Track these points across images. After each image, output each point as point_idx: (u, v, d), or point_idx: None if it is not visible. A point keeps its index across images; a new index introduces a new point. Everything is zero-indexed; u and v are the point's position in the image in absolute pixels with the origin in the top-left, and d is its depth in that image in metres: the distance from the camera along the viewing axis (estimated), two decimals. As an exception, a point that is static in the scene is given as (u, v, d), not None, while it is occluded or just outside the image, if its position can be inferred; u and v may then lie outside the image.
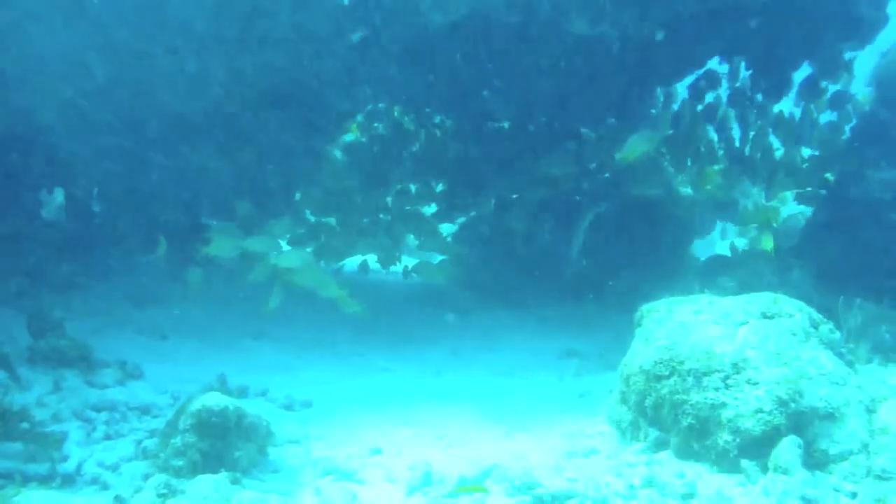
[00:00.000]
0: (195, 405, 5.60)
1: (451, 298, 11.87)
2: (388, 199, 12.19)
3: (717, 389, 6.07)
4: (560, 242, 11.83)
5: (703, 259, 12.65)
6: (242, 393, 7.44)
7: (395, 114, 12.94)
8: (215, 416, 5.56)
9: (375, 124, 12.97)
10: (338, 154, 12.66)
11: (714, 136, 11.22)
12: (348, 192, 12.01)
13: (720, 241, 14.19)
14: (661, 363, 6.36)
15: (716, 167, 11.64)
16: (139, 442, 6.09)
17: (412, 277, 11.42)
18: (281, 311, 9.67)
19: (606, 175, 12.20)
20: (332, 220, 11.95)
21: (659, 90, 12.09)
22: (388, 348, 9.60)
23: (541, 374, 8.76)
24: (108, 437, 6.20)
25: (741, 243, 13.45)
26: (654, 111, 12.24)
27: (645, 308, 7.27)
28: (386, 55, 10.11)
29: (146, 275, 10.75)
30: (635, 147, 9.57)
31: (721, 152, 11.25)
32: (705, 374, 6.16)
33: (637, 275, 11.89)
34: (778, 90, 10.13)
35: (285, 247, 10.53)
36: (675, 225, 12.23)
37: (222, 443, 5.57)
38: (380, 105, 12.68)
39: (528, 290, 12.03)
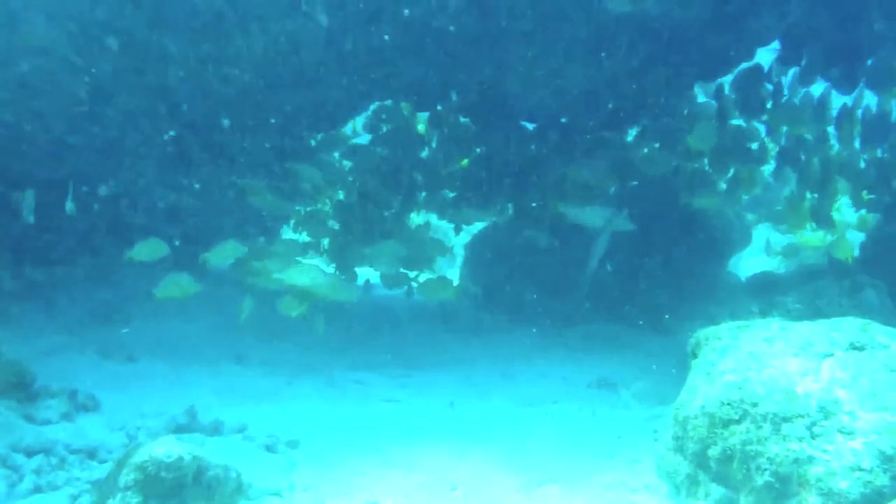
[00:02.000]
0: (141, 455, 4.37)
1: (463, 317, 10.65)
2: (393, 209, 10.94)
3: (801, 439, 4.81)
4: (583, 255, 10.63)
5: (741, 276, 11.48)
6: (216, 430, 6.22)
7: (405, 112, 11.72)
8: (166, 469, 4.33)
9: (381, 124, 11.76)
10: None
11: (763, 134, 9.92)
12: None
13: (766, 255, 12.88)
14: (729, 405, 5.10)
15: (764, 168, 10.38)
16: (75, 497, 4.86)
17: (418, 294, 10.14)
18: (269, 330, 8.50)
19: (634, 182, 11.01)
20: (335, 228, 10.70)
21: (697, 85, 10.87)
22: (392, 375, 8.36)
23: (569, 408, 7.49)
24: (36, 490, 4.97)
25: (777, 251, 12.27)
26: (685, 111, 11.01)
27: (702, 335, 5.98)
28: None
29: (120, 285, 9.56)
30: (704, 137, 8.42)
31: (773, 152, 9.97)
32: (785, 420, 4.90)
33: (673, 292, 10.70)
34: (851, 79, 8.84)
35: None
36: (714, 236, 10.98)
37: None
38: (386, 102, 11.48)
39: (549, 307, 10.81)
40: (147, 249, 7.69)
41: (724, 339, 5.77)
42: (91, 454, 5.49)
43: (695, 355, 5.92)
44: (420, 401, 7.55)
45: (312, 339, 8.48)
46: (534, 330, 10.40)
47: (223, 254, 7.91)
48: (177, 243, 9.44)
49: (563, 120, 10.65)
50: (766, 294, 9.26)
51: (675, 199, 10.54)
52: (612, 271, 10.90)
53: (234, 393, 7.22)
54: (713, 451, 5.11)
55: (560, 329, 10.44)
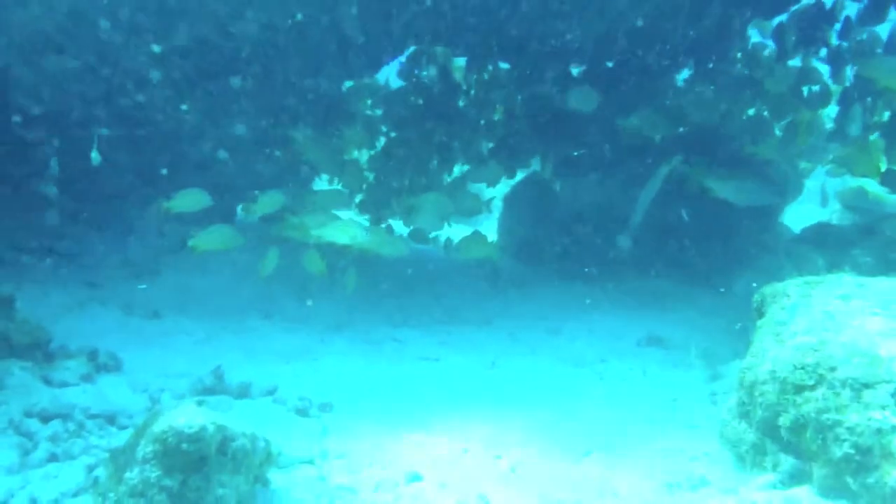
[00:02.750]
0: (160, 425, 3.97)
1: (504, 270, 10.21)
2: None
3: (884, 407, 4.35)
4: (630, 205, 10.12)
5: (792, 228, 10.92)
6: (244, 392, 5.84)
7: (440, 59, 11.20)
8: (188, 440, 3.92)
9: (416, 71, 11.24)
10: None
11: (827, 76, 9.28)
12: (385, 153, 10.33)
13: (820, 207, 12.24)
14: (802, 369, 4.64)
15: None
16: (91, 468, 4.49)
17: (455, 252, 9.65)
18: (302, 285, 8.11)
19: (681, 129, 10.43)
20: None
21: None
22: (431, 331, 7.95)
23: (618, 366, 7.04)
24: (52, 459, 4.60)
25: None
26: (739, 54, 10.39)
27: (768, 291, 5.50)
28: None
29: (148, 237, 9.20)
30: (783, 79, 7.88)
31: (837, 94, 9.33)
32: (867, 386, 4.44)
33: (724, 245, 10.19)
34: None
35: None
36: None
37: (198, 478, 3.94)
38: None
39: (594, 259, 10.34)
40: (188, 200, 7.24)
41: (793, 297, 5.29)
42: (111, 419, 5.12)
43: (761, 314, 5.45)
44: (461, 359, 7.13)
45: (347, 294, 8.09)
46: (578, 283, 9.96)
47: (267, 204, 7.50)
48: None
49: (609, 64, 10.12)
50: (825, 247, 8.70)
51: (725, 146, 10.03)
52: (659, 224, 10.39)
53: (263, 351, 6.84)
54: (784, 420, 4.65)
55: (604, 283, 9.98)
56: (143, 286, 7.83)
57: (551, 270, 10.53)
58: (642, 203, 9.57)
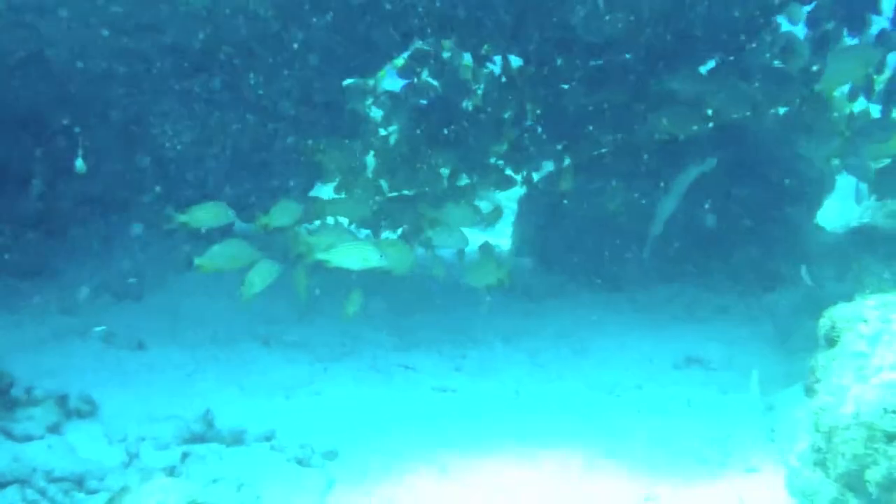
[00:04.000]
0: (126, 507, 3.25)
1: (520, 280, 9.46)
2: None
3: None
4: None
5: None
6: (237, 439, 5.11)
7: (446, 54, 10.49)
8: (160, 526, 3.21)
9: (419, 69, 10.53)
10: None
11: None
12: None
13: (856, 204, 11.43)
14: (895, 413, 3.92)
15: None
16: (49, 552, 3.77)
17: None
18: (305, 303, 7.38)
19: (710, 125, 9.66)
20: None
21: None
22: (444, 353, 7.20)
23: (658, 394, 6.29)
24: (2, 542, 3.90)
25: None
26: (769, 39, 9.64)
27: (838, 315, 4.71)
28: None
29: (139, 254, 8.47)
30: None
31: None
32: (978, 436, 3.73)
33: (759, 249, 9.44)
34: None
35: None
36: (803, 184, 9.66)
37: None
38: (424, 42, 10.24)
39: (618, 265, 9.60)
40: (206, 214, 6.56)
41: (872, 323, 4.52)
42: (79, 482, 4.37)
43: (831, 342, 4.69)
44: (479, 387, 6.40)
45: (353, 317, 7.37)
46: (600, 293, 9.23)
47: (281, 216, 6.78)
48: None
49: (628, 56, 9.38)
50: (874, 252, 7.97)
51: (759, 145, 9.30)
52: (685, 226, 9.66)
53: (261, 384, 6.10)
54: (873, 474, 3.91)
55: (631, 292, 9.24)
56: (101, 328, 7.04)
57: (570, 278, 9.80)
58: (663, 211, 8.80)
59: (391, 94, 10.38)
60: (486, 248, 8.35)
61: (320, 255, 6.13)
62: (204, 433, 5.04)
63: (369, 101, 11.29)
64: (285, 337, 7.22)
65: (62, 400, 5.12)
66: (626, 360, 7.12)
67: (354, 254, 6.13)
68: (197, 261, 6.26)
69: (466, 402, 6.06)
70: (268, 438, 5.18)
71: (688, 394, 6.26)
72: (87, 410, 5.20)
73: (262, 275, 6.33)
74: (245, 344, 6.97)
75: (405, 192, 9.14)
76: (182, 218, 6.55)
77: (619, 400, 6.17)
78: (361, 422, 5.56)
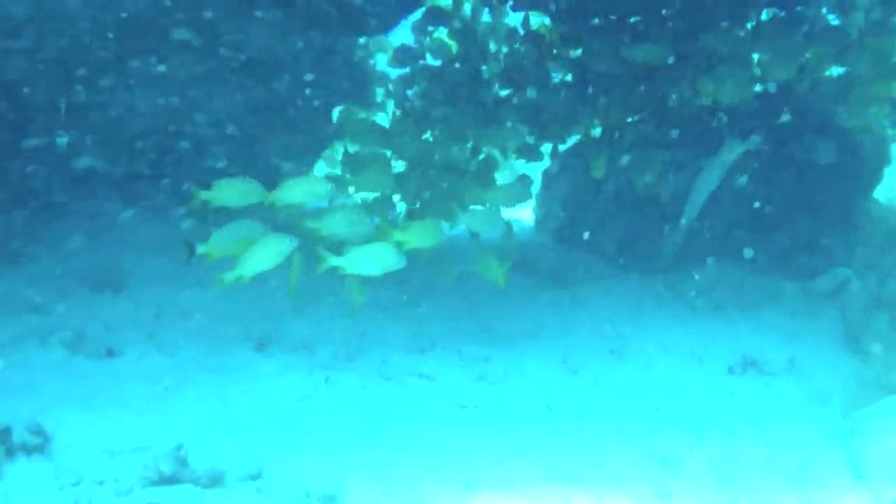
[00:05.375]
0: None
1: (545, 262, 8.55)
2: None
3: None
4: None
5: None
6: (216, 479, 4.22)
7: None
8: None
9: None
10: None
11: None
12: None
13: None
14: None
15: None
16: None
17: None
18: (305, 292, 6.48)
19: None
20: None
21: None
22: (465, 355, 6.29)
23: (710, 407, 5.38)
24: None
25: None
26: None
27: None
28: None
29: (124, 240, 7.60)
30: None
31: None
32: None
33: (810, 227, 8.50)
34: None
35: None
36: (862, 158, 8.68)
37: None
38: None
39: (651, 245, 8.67)
40: (233, 192, 5.62)
41: None
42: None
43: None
44: (506, 401, 5.50)
45: (362, 312, 6.48)
46: (634, 277, 8.31)
47: (230, 194, 5.82)
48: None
49: (665, 11, 8.38)
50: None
51: (811, 112, 8.31)
52: (726, 202, 8.71)
53: (251, 402, 5.19)
54: None
55: (669, 275, 8.32)
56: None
57: (598, 259, 8.89)
58: (700, 192, 7.82)
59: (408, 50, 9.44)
60: (507, 230, 7.38)
61: (334, 262, 5.23)
62: (175, 473, 4.15)
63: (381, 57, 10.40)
64: (284, 337, 6.32)
65: (4, 434, 4.24)
66: (672, 362, 6.23)
67: (373, 258, 5.28)
68: (201, 248, 5.31)
69: (491, 422, 5.16)
70: (254, 478, 4.29)
71: (749, 408, 5.36)
72: (35, 445, 4.32)
73: (265, 253, 5.36)
74: (236, 347, 6.07)
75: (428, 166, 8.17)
76: (204, 195, 5.59)
77: (667, 417, 5.25)
78: (368, 452, 4.66)
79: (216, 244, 5.37)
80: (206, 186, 5.74)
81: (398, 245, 5.64)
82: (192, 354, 5.83)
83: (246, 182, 5.76)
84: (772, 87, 8.39)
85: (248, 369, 5.66)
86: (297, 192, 5.94)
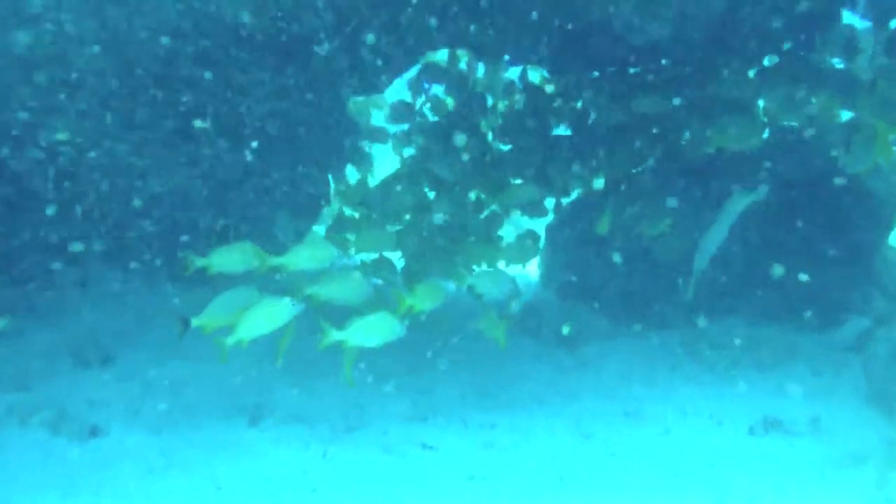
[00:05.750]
0: None
1: (551, 320, 8.24)
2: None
3: None
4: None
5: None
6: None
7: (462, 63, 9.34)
8: None
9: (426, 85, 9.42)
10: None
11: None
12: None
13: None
14: None
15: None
16: None
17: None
18: (300, 363, 6.19)
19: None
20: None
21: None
22: (470, 423, 5.94)
23: (735, 474, 5.03)
24: None
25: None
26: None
27: None
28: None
29: (113, 311, 7.32)
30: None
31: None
32: None
33: (826, 276, 8.20)
34: None
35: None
36: (875, 204, 8.41)
37: None
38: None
39: (661, 301, 8.40)
40: (231, 258, 5.49)
41: None
42: None
43: None
44: (516, 470, 5.15)
45: (358, 380, 6.20)
46: (645, 334, 8.01)
47: (228, 260, 5.59)
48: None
49: (664, 62, 8.18)
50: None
51: (818, 159, 8.06)
52: (741, 252, 8.43)
53: (243, 483, 4.85)
54: None
55: (679, 331, 8.03)
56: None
57: (605, 316, 8.59)
58: (709, 244, 7.51)
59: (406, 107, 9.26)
60: (513, 290, 7.10)
61: (336, 336, 5.09)
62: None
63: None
64: (278, 408, 5.99)
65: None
66: (690, 425, 5.87)
67: (375, 329, 5.16)
68: (195, 322, 5.06)
69: (501, 495, 4.80)
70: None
71: (775, 474, 5.00)
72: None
73: (267, 316, 5.11)
74: (228, 421, 5.73)
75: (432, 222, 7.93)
76: (201, 262, 5.43)
77: (690, 485, 4.89)
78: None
79: (211, 316, 5.12)
80: (203, 253, 5.53)
81: (399, 313, 5.47)
82: (180, 431, 5.49)
83: (244, 247, 5.54)
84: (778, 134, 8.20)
85: (241, 445, 5.32)
86: (302, 257, 5.73)
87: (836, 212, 8.31)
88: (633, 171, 8.44)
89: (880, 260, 8.54)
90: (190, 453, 5.16)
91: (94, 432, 5.31)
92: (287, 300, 5.12)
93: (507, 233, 9.26)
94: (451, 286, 7.33)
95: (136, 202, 7.91)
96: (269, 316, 5.08)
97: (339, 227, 7.77)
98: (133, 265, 7.91)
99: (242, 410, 5.89)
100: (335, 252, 5.93)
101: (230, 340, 5.01)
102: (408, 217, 8.04)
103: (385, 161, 9.60)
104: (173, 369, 6.45)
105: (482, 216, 8.25)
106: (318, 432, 5.65)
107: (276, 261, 5.69)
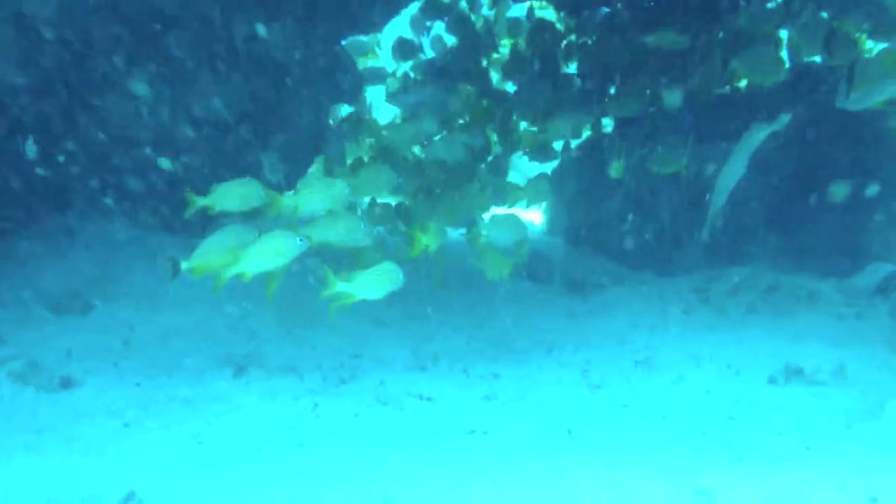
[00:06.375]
0: None
1: (557, 266, 7.91)
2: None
3: None
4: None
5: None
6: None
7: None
8: None
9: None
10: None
11: None
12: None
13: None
14: None
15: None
16: None
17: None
18: (291, 310, 5.86)
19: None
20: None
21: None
22: (471, 374, 5.60)
23: (755, 427, 4.65)
24: None
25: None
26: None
27: None
28: None
29: (100, 259, 6.99)
30: None
31: None
32: None
33: (848, 220, 7.84)
34: None
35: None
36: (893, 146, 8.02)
37: None
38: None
39: (674, 245, 8.05)
40: (234, 195, 5.22)
41: None
42: None
43: None
44: (519, 422, 4.78)
45: (356, 323, 5.86)
46: (656, 280, 7.66)
47: (232, 198, 5.26)
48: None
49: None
50: None
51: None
52: (753, 196, 8.06)
53: (224, 439, 4.47)
54: None
55: (692, 278, 7.68)
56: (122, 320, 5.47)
57: (615, 262, 8.26)
58: (727, 179, 7.09)
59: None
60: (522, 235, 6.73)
61: (341, 288, 4.91)
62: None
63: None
64: (268, 359, 5.64)
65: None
66: (705, 374, 5.51)
67: (379, 280, 5.02)
68: (185, 265, 4.73)
69: (502, 449, 4.43)
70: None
71: (798, 427, 4.63)
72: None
73: (271, 251, 4.80)
74: (214, 373, 5.39)
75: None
76: (202, 201, 5.18)
77: (707, 440, 4.52)
78: (360, 490, 3.94)
79: (203, 258, 4.77)
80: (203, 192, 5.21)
81: (415, 253, 5.21)
82: (161, 384, 5.13)
83: (248, 184, 5.21)
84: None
85: (226, 399, 4.95)
86: (315, 195, 5.42)
87: (856, 154, 7.94)
88: (647, 110, 8.06)
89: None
90: (170, 407, 4.79)
91: (67, 384, 4.95)
92: (295, 236, 4.82)
93: (513, 177, 8.92)
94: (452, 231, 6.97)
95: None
96: (275, 250, 4.79)
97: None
98: (122, 212, 7.61)
99: (229, 361, 5.54)
100: (348, 191, 5.60)
101: (230, 272, 4.70)
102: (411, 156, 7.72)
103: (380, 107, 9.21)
104: (159, 319, 6.12)
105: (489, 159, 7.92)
106: (309, 384, 5.30)
107: (287, 199, 5.38)
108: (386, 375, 5.44)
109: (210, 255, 4.84)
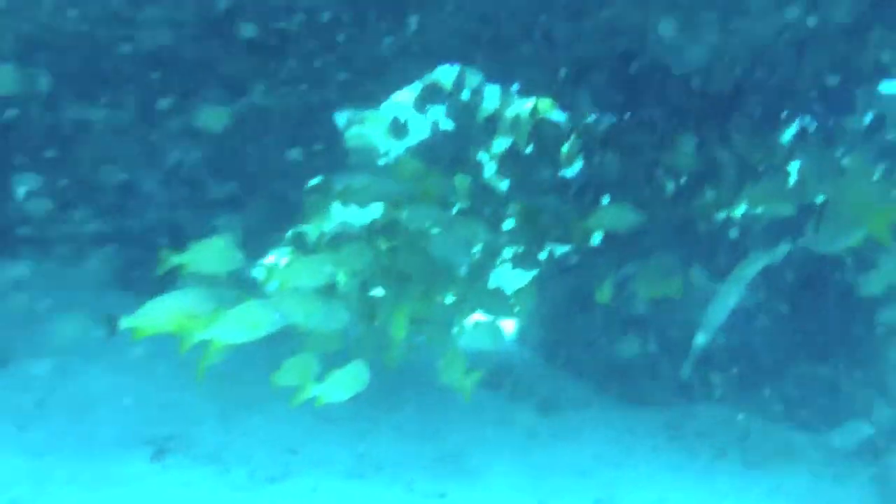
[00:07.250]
0: None
1: (525, 380, 7.45)
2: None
3: None
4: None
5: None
6: None
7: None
8: None
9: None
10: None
11: None
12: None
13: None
14: None
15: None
16: None
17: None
18: (234, 392, 5.35)
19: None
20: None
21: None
22: (413, 487, 5.08)
23: None
24: None
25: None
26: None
27: None
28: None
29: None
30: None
31: None
32: None
33: (830, 364, 7.45)
34: None
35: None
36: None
37: None
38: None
39: (650, 375, 7.62)
40: (211, 255, 4.80)
41: None
42: None
43: None
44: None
45: (302, 408, 5.32)
46: (630, 410, 7.22)
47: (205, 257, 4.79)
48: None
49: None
50: None
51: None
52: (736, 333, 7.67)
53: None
54: None
55: (666, 411, 7.24)
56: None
57: (586, 383, 7.81)
58: (716, 313, 6.64)
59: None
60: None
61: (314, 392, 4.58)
62: None
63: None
64: (195, 442, 5.10)
65: None
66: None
67: (346, 381, 4.74)
68: (126, 322, 4.19)
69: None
70: None
71: None
72: None
73: (246, 321, 4.31)
74: (131, 451, 4.82)
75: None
76: (178, 259, 4.69)
77: None
78: None
79: (147, 318, 4.24)
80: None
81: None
82: (66, 458, 4.56)
83: (224, 243, 4.74)
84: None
85: (134, 485, 4.40)
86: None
87: (841, 306, 7.63)
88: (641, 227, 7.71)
89: (884, 363, 7.80)
90: (68, 488, 4.23)
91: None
92: (273, 309, 4.37)
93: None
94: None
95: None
96: (249, 322, 4.29)
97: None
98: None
99: (151, 440, 4.98)
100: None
101: (196, 336, 4.22)
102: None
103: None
104: (84, 379, 5.55)
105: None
106: (234, 477, 4.75)
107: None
108: (321, 480, 4.91)
109: (156, 316, 4.34)
